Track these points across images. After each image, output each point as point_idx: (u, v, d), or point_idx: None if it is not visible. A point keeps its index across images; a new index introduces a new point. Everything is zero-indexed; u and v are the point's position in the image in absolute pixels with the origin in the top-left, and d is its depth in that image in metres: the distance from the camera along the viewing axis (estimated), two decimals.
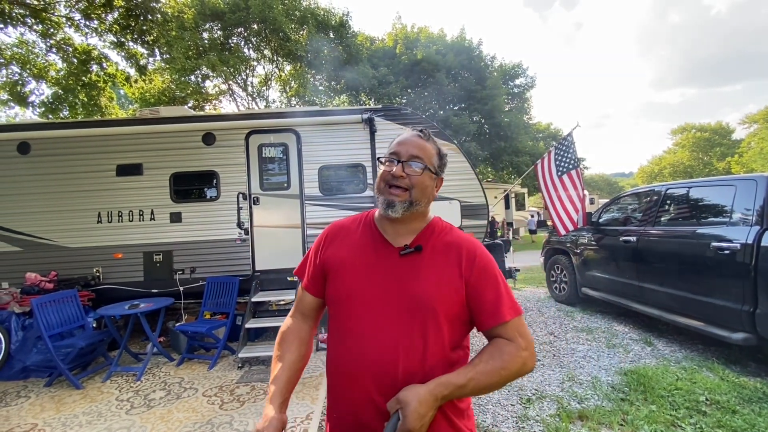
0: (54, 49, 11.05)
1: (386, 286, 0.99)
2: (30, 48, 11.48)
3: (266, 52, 16.69)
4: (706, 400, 2.89)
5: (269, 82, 18.40)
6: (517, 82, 23.34)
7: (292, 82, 17.68)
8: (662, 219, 4.31)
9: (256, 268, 4.99)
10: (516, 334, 0.95)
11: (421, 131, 1.08)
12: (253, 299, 4.46)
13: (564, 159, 5.59)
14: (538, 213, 21.55)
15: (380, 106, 5.55)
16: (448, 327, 0.97)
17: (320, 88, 17.88)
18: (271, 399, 1.00)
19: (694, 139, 40.66)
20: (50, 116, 12.30)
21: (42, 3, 9.94)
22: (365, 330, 0.98)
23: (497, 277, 1.00)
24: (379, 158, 1.07)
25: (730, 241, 3.33)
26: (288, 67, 17.69)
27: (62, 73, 11.88)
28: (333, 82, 18.38)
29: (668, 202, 4.33)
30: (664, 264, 4.06)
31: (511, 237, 17.81)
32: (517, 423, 2.75)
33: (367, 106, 6.15)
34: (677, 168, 40.73)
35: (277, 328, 4.82)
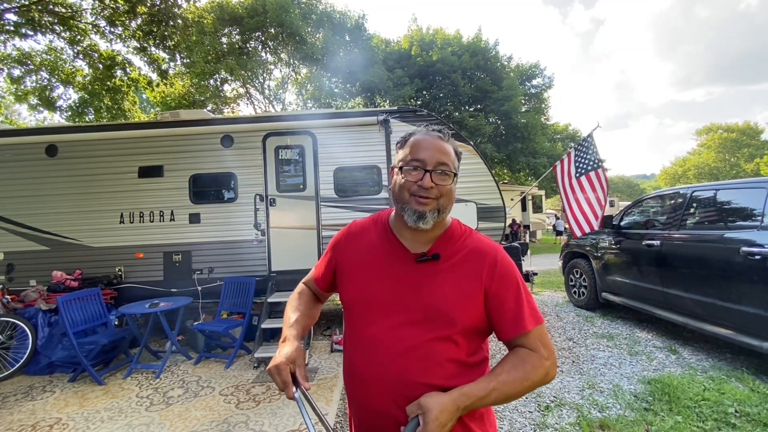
0: (81, 55, 11.48)
1: (401, 293, 0.97)
2: (58, 54, 11.95)
3: (283, 55, 16.92)
4: (736, 411, 2.77)
5: (286, 85, 18.65)
6: (534, 82, 22.95)
7: (308, 85, 17.86)
8: (688, 222, 4.16)
9: (273, 269, 5.04)
10: (539, 344, 0.94)
11: (440, 131, 1.00)
12: (270, 300, 4.50)
13: (583, 160, 5.49)
14: (556, 216, 21.14)
15: (395, 107, 5.54)
16: (465, 336, 0.95)
17: (336, 90, 17.99)
18: (294, 337, 1.05)
19: (721, 139, 39.31)
20: (77, 120, 12.76)
21: (70, 11, 10.31)
22: (378, 336, 0.96)
23: (518, 285, 0.97)
24: (400, 166, 0.99)
25: (761, 246, 3.19)
26: (304, 70, 17.88)
27: (88, 78, 12.33)
28: (348, 85, 18.47)
29: (694, 204, 4.18)
30: (690, 269, 3.91)
31: (528, 240, 17.53)
32: (535, 430, 2.69)
33: (383, 108, 6.14)
34: (702, 170, 39.43)
35: None
